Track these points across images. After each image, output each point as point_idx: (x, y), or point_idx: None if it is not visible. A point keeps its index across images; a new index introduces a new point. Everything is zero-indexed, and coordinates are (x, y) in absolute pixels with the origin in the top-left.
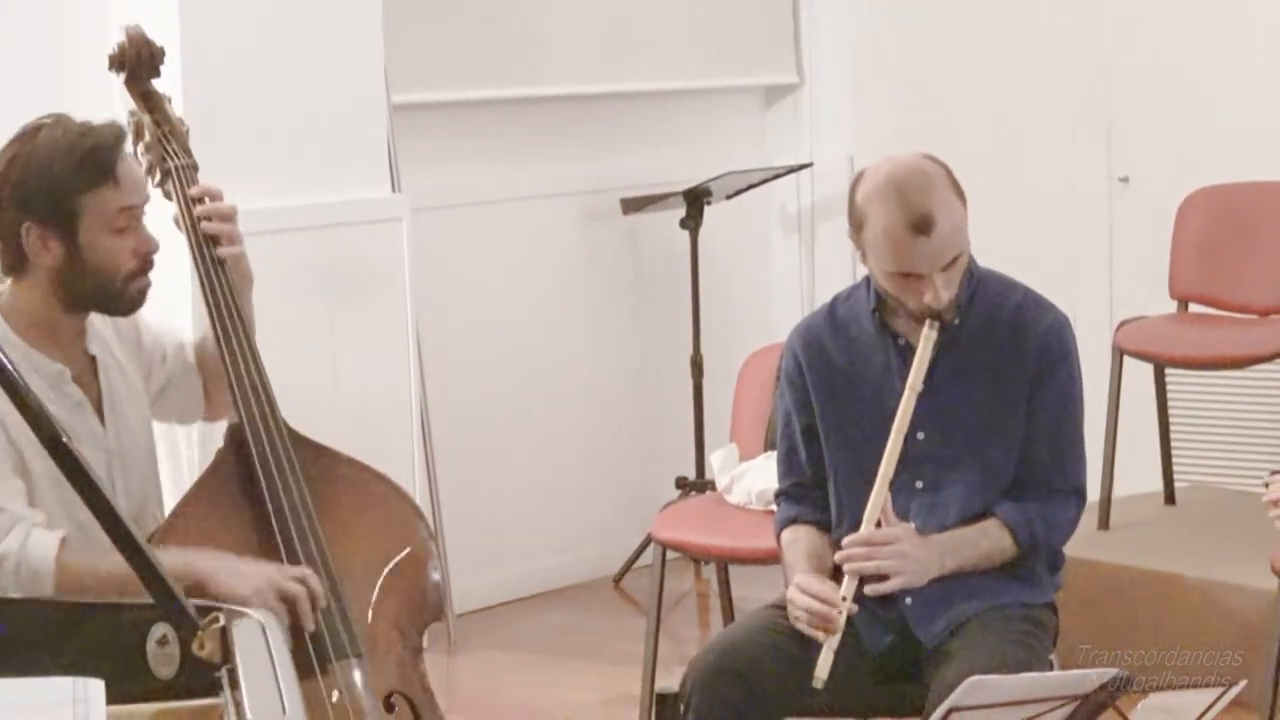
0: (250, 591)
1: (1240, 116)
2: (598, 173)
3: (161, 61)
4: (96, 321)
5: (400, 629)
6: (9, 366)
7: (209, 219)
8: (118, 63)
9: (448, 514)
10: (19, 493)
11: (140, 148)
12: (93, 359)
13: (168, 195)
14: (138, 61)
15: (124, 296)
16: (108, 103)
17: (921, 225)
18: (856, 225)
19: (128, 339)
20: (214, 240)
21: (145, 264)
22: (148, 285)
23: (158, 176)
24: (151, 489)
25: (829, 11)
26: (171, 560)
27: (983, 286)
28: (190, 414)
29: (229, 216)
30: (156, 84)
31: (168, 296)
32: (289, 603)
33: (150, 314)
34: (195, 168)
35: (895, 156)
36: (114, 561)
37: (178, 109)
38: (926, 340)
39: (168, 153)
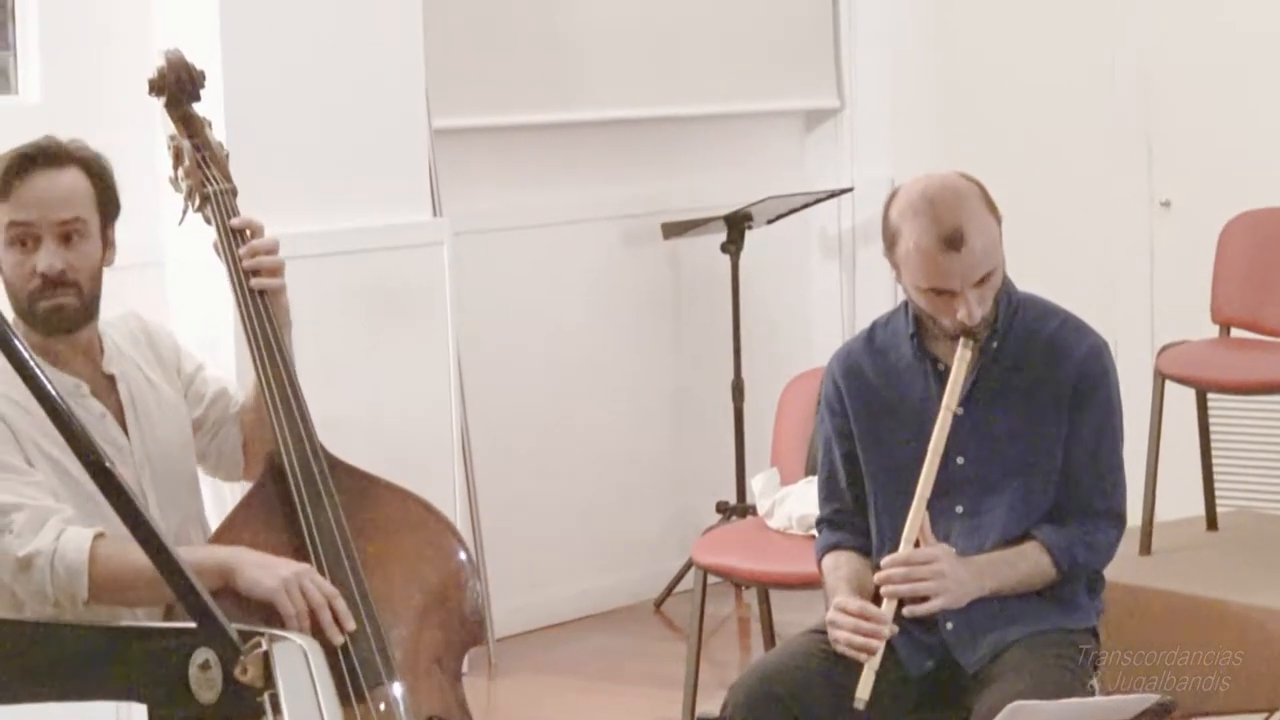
0: (277, 583)
1: None
2: (639, 197)
3: (202, 85)
4: (124, 345)
5: (439, 654)
6: (52, 392)
7: (253, 255)
8: (157, 87)
9: (488, 538)
10: (41, 486)
11: (180, 172)
12: (110, 377)
13: (207, 220)
14: (177, 86)
15: (36, 315)
16: (150, 126)
17: (952, 240)
18: (889, 242)
19: (168, 362)
20: (254, 271)
21: (46, 285)
22: (61, 308)
23: (197, 201)
24: (191, 505)
25: (869, 36)
26: (197, 556)
27: (1022, 310)
28: (229, 468)
29: (272, 250)
30: (197, 108)
31: (208, 322)
32: (312, 606)
33: (197, 347)
34: (234, 193)
35: (929, 174)
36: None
37: (219, 134)
38: (961, 359)
39: (207, 178)
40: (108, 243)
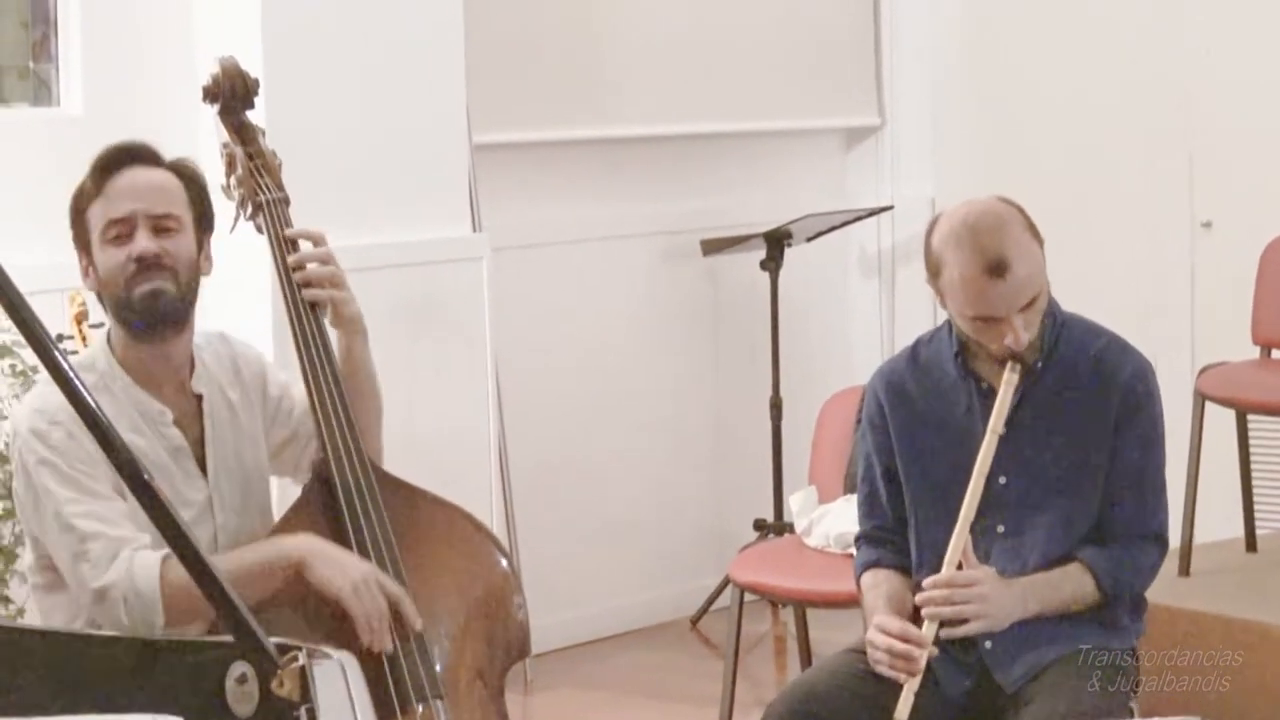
0: (348, 583)
1: None
2: (678, 214)
3: (255, 93)
4: (211, 363)
5: (482, 669)
6: (89, 400)
7: (300, 266)
8: (211, 94)
9: (525, 553)
10: (123, 513)
11: (233, 180)
12: (198, 398)
13: (259, 229)
14: (231, 93)
15: (133, 304)
16: (193, 138)
17: (997, 268)
18: (933, 271)
19: (252, 386)
20: (308, 284)
21: (141, 265)
22: (155, 290)
23: (249, 210)
24: (263, 526)
25: (910, 53)
26: (272, 549)
27: (1066, 331)
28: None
29: (325, 259)
30: (250, 116)
31: (253, 328)
32: (392, 602)
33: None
34: (287, 201)
35: (969, 201)
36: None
37: None
38: (1008, 383)
39: (260, 186)
40: (203, 249)
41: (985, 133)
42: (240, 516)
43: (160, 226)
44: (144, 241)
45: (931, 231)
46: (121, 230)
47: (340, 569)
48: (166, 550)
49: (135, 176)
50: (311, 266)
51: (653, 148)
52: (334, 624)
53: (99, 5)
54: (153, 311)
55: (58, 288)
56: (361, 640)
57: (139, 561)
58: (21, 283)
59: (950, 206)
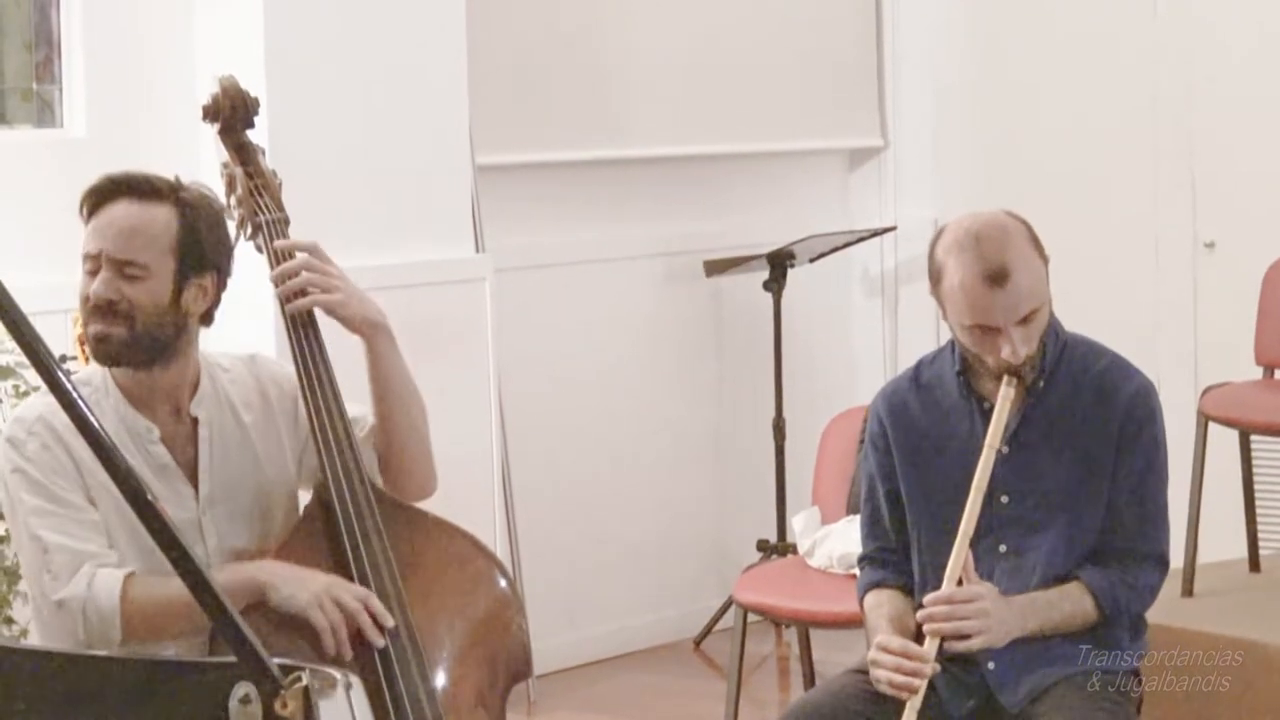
0: (309, 597)
1: None
2: (681, 235)
3: (255, 112)
4: (225, 386)
5: (483, 691)
6: (91, 418)
7: (290, 276)
8: (211, 114)
9: (528, 574)
10: (93, 525)
11: (232, 200)
12: (194, 420)
13: (259, 249)
14: (231, 112)
15: (88, 340)
16: (195, 160)
17: (996, 276)
18: (934, 278)
19: (280, 410)
20: (301, 293)
21: (95, 311)
22: (106, 337)
23: (249, 230)
24: (268, 545)
25: (913, 75)
26: (234, 575)
27: (1069, 351)
28: None
29: (292, 272)
30: (250, 135)
31: (257, 347)
32: (347, 615)
33: None
34: (287, 222)
35: (975, 212)
36: (177, 589)
37: None
38: (1004, 398)
39: (259, 206)
40: (186, 290)
41: (987, 154)
42: (245, 539)
43: (123, 272)
44: (98, 285)
45: (936, 240)
46: (91, 266)
47: (299, 585)
48: (129, 569)
49: (117, 212)
50: (298, 277)
51: (656, 169)
52: (307, 644)
53: (102, 27)
54: (99, 353)
55: (61, 308)
56: (328, 651)
57: (101, 577)
58: (25, 303)
59: (956, 218)
